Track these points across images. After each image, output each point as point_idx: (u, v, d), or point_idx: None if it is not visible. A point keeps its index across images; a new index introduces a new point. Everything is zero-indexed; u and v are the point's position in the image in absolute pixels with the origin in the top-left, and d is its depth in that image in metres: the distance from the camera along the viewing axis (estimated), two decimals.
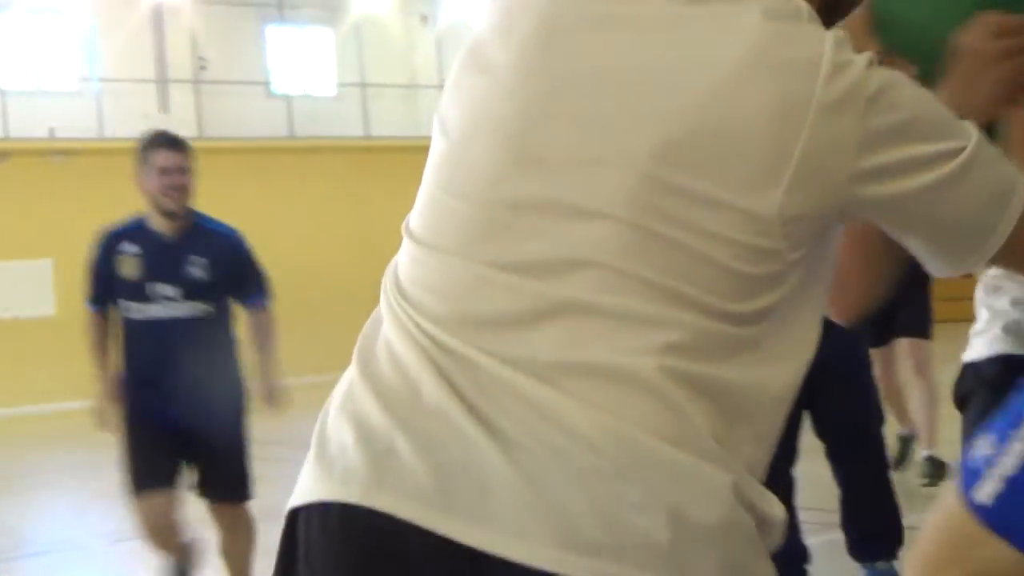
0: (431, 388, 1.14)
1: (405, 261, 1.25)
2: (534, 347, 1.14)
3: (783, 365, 1.20)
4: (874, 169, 1.17)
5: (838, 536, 4.12)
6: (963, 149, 1.19)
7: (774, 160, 1.15)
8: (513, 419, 1.11)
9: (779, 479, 3.17)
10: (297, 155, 16.68)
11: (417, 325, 1.18)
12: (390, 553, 1.13)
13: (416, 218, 1.27)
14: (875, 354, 5.33)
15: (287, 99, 17.00)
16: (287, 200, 16.54)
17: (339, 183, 16.90)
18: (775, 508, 1.17)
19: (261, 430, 4.64)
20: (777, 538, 1.18)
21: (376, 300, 1.29)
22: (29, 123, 15.16)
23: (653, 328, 1.13)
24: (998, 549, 1.33)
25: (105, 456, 5.43)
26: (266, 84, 17.30)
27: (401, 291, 1.23)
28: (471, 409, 1.12)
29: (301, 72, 17.70)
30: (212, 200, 17.67)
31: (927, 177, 1.18)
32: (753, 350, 1.17)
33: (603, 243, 1.15)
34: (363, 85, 17.32)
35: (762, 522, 1.15)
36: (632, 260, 1.14)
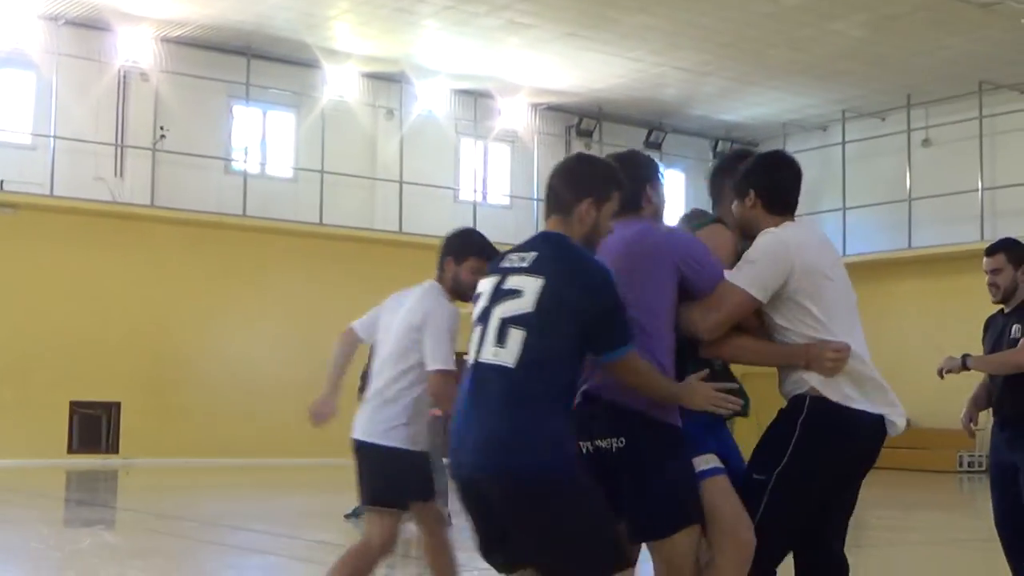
0: None
1: None
2: None
3: None
4: None
5: None
6: None
7: None
8: None
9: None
10: (248, 234, 16.53)
11: None
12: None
13: None
14: None
15: (244, 177, 16.90)
16: (236, 278, 16.34)
17: (291, 267, 16.74)
18: None
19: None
20: None
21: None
22: None
23: None
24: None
25: None
26: (226, 160, 17.21)
27: None
28: None
29: (262, 152, 17.65)
30: (156, 270, 17.20)
31: None
32: None
33: None
34: (322, 172, 17.26)
35: None
36: None
